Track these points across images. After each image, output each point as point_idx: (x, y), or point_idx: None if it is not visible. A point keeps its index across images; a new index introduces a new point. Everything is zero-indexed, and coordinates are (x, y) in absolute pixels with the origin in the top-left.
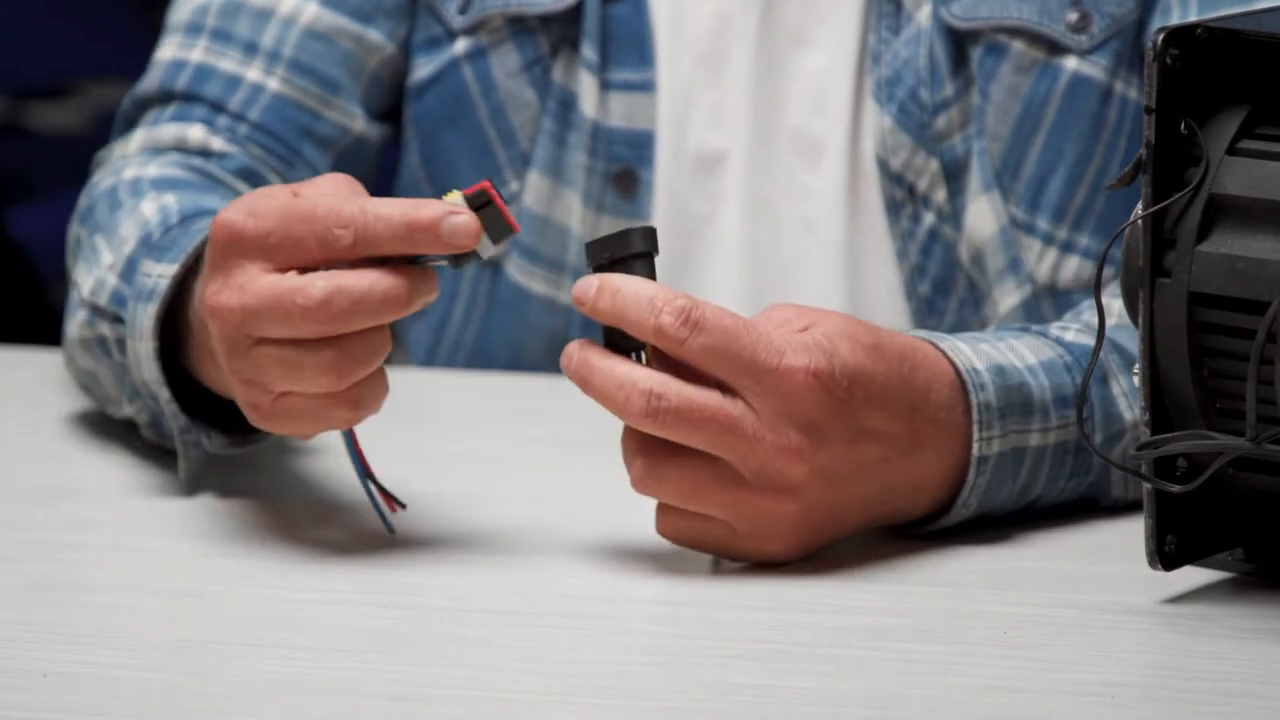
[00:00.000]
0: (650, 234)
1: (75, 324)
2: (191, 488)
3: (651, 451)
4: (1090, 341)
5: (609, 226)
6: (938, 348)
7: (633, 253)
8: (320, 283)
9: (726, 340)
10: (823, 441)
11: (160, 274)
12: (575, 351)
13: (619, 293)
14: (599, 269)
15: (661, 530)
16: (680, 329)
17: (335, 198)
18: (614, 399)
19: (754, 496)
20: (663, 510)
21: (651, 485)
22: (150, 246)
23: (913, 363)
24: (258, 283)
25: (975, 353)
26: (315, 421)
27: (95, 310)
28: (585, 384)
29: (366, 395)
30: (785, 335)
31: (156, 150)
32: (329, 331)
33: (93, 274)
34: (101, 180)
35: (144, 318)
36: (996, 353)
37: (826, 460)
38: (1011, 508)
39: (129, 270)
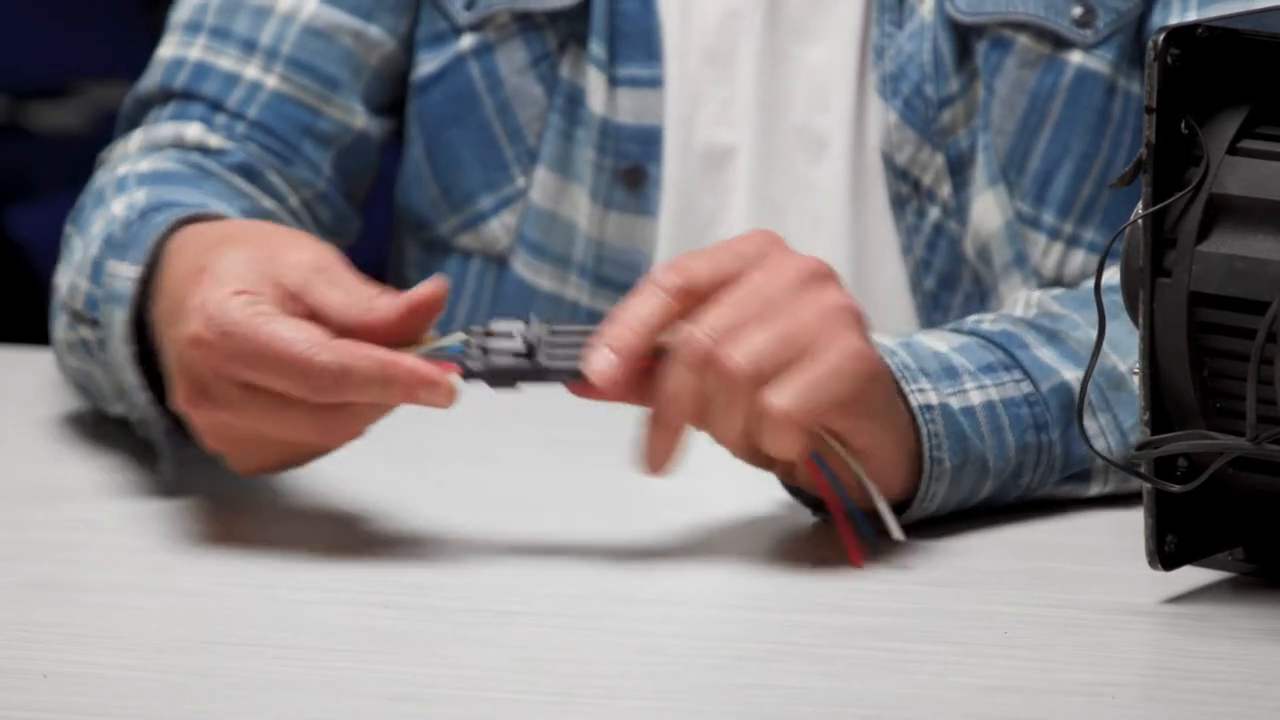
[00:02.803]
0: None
1: (60, 327)
2: (178, 488)
3: (709, 355)
4: (1007, 328)
5: (616, 222)
6: None
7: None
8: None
9: (706, 252)
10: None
11: (126, 275)
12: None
13: (626, 328)
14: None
15: (784, 428)
16: (672, 275)
17: (311, 334)
18: (643, 299)
19: (804, 311)
20: (764, 413)
21: (722, 368)
22: (113, 245)
23: None
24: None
25: (880, 336)
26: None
27: (74, 315)
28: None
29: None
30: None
31: (154, 148)
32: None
33: (67, 276)
34: (97, 179)
35: (117, 323)
36: (904, 338)
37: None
38: (1007, 473)
39: (96, 271)
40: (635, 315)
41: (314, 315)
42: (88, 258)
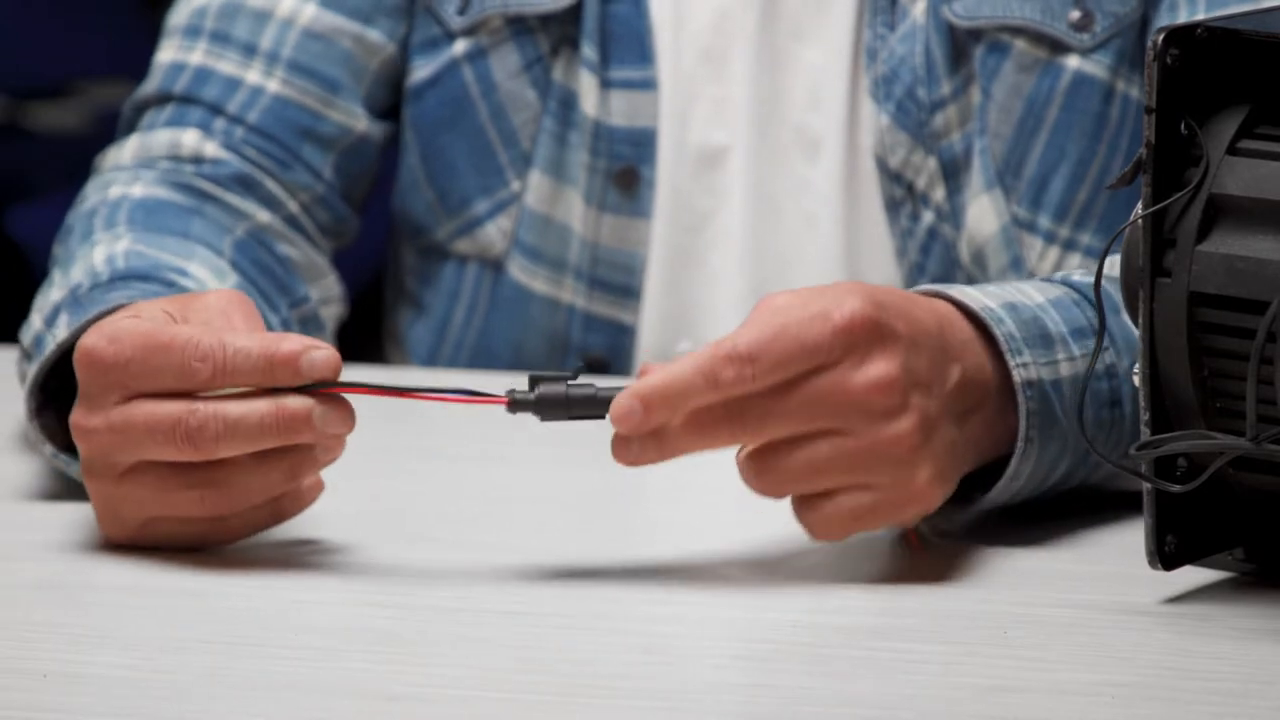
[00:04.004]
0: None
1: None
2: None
3: (757, 454)
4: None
5: (611, 225)
6: (945, 295)
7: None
8: (196, 409)
9: (778, 347)
10: (895, 354)
11: (58, 335)
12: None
13: (664, 395)
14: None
15: (820, 533)
16: (743, 370)
17: (201, 328)
18: (695, 386)
19: (869, 441)
20: (806, 511)
21: (772, 480)
22: (75, 300)
23: (925, 303)
24: (121, 410)
25: (984, 294)
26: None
27: (23, 350)
28: (651, 406)
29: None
30: (809, 303)
31: (148, 161)
32: (200, 457)
33: (36, 308)
34: (90, 195)
35: (31, 373)
36: (1004, 293)
37: (909, 365)
38: (1069, 469)
39: (53, 316)
40: (677, 390)
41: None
42: (49, 303)
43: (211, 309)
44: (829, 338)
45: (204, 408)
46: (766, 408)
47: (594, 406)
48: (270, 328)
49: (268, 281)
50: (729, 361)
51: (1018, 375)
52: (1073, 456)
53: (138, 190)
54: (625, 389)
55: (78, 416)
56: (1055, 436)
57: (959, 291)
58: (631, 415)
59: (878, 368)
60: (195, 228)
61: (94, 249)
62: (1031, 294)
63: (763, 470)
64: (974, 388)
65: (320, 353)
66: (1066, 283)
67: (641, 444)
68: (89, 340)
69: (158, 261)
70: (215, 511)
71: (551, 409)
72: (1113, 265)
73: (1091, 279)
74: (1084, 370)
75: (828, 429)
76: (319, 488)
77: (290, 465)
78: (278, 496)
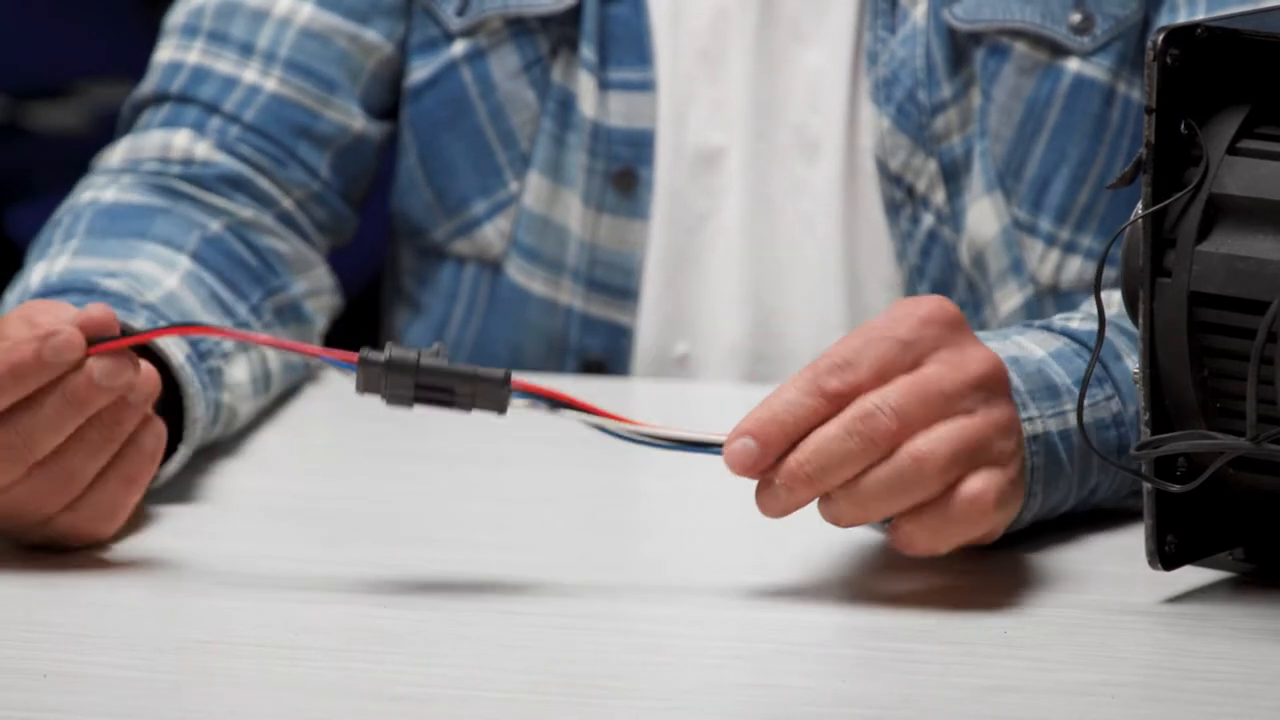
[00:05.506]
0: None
1: None
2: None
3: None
4: (1094, 328)
5: (609, 226)
6: None
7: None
8: None
9: (871, 348)
10: (979, 342)
11: None
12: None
13: (774, 420)
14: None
15: (989, 518)
16: (845, 375)
17: None
18: (803, 403)
19: (990, 408)
20: (960, 502)
21: (954, 449)
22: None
23: None
24: None
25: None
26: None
27: None
28: (767, 438)
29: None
30: (889, 311)
31: (134, 164)
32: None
33: None
34: (69, 200)
35: None
36: (1007, 348)
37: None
38: (1074, 503)
39: None
40: (787, 412)
41: None
42: None
43: (10, 320)
44: (919, 326)
45: None
46: (879, 406)
47: (445, 379)
48: (236, 316)
49: (239, 272)
50: (829, 372)
51: (1025, 428)
52: (1077, 495)
53: (109, 195)
54: (733, 429)
55: None
56: (1060, 486)
57: None
58: (748, 453)
59: (978, 350)
60: (156, 227)
61: (35, 266)
62: (1031, 348)
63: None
64: None
65: (59, 336)
66: (1066, 333)
67: (788, 488)
68: None
69: (88, 271)
70: (60, 499)
71: (400, 374)
72: (1112, 302)
73: (1087, 328)
74: (1096, 418)
75: (947, 412)
76: (158, 431)
77: (106, 428)
78: (120, 456)
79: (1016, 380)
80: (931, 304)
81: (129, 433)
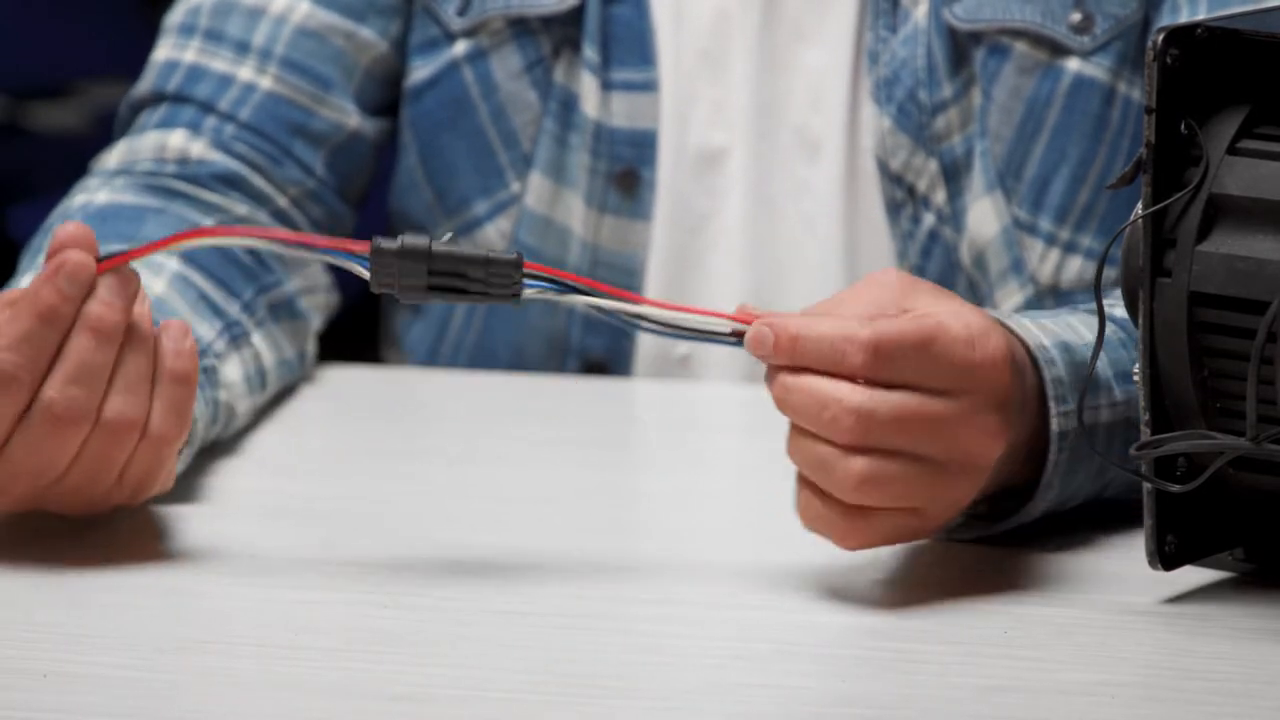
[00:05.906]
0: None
1: None
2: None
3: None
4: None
5: (611, 226)
6: (1004, 325)
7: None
8: None
9: (920, 357)
10: (1009, 415)
11: None
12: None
13: (798, 339)
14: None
15: (851, 542)
16: (874, 367)
17: None
18: (819, 419)
19: (950, 480)
20: (851, 520)
21: (871, 491)
22: None
23: None
24: None
25: (1040, 329)
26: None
27: None
28: (783, 403)
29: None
30: (956, 319)
31: (129, 165)
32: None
33: None
34: (68, 199)
35: None
36: (1059, 329)
37: (1012, 435)
38: (1087, 496)
39: None
40: (814, 337)
41: None
42: None
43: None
44: (973, 370)
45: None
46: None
47: (458, 264)
48: (227, 316)
49: (231, 269)
50: (865, 350)
51: (1055, 425)
52: (1092, 487)
53: (102, 197)
54: (762, 318)
55: None
56: (1081, 473)
57: (1015, 322)
58: (763, 342)
59: (994, 419)
60: (148, 228)
61: (26, 274)
62: (1084, 332)
63: (865, 480)
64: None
65: (65, 264)
66: (1114, 320)
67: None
68: None
69: None
70: (129, 439)
71: (414, 261)
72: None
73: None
74: (1121, 415)
75: (947, 389)
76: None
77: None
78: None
79: (1062, 369)
80: (997, 354)
81: (155, 336)
